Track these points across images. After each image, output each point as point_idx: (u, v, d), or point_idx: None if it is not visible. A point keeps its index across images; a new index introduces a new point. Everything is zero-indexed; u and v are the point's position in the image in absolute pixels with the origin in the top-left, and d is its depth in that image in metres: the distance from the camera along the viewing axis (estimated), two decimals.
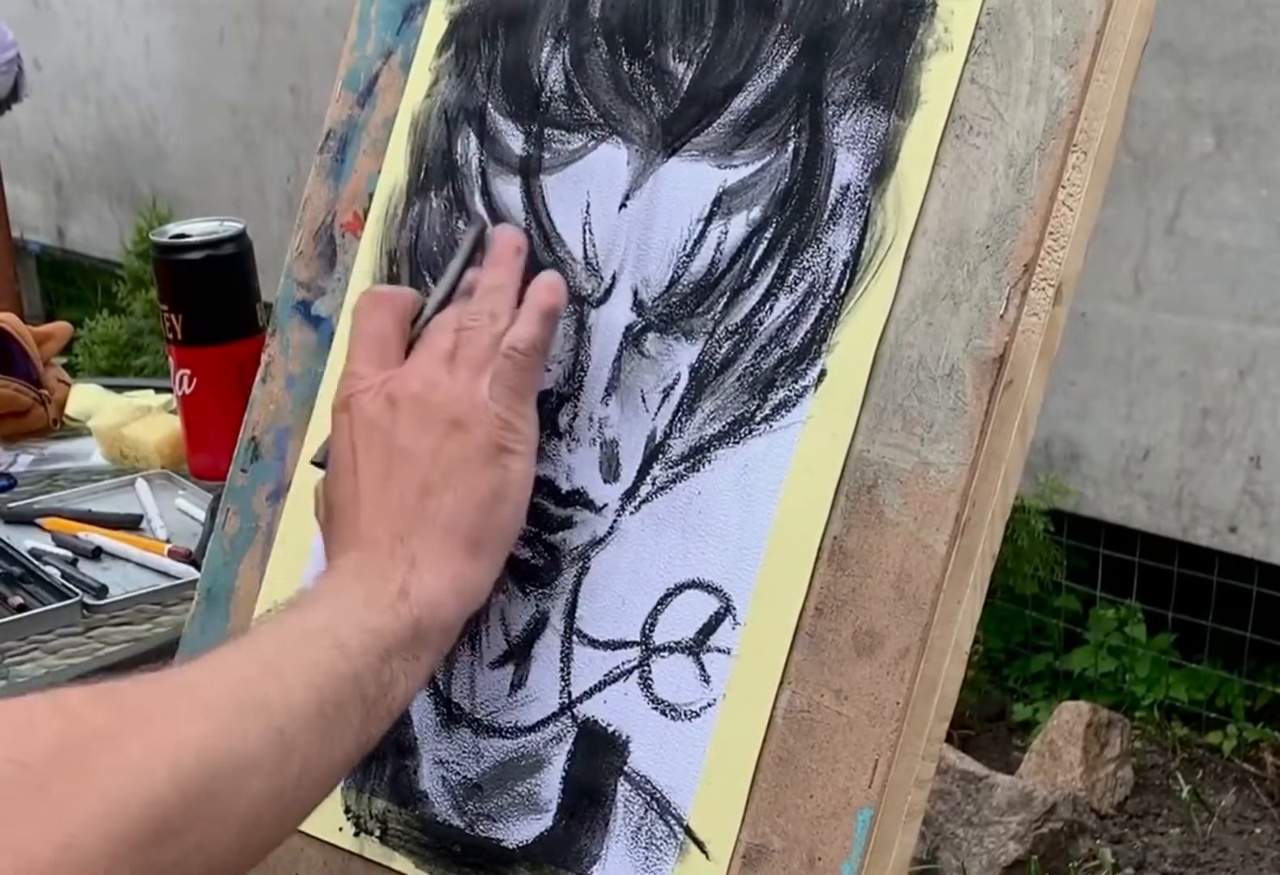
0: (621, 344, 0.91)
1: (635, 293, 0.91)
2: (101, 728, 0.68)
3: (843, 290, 0.85)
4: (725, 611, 0.86)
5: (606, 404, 0.92)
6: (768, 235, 0.87)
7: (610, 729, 0.89)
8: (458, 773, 0.94)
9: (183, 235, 1.67)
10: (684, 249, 0.90)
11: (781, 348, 0.86)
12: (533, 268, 0.95)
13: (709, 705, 0.86)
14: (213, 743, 0.71)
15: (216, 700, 0.73)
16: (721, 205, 0.89)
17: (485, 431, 0.87)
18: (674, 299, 0.90)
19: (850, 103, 0.86)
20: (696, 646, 0.87)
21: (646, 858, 0.87)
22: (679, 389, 0.89)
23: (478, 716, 0.94)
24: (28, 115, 4.51)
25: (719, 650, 0.86)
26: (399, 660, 0.81)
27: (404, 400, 0.88)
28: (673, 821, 0.86)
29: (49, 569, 1.50)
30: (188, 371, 1.67)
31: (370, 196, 1.03)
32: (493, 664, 0.94)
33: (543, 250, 0.94)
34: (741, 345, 0.88)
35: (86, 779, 0.66)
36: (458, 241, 0.97)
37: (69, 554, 1.54)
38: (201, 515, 1.59)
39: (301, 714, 0.75)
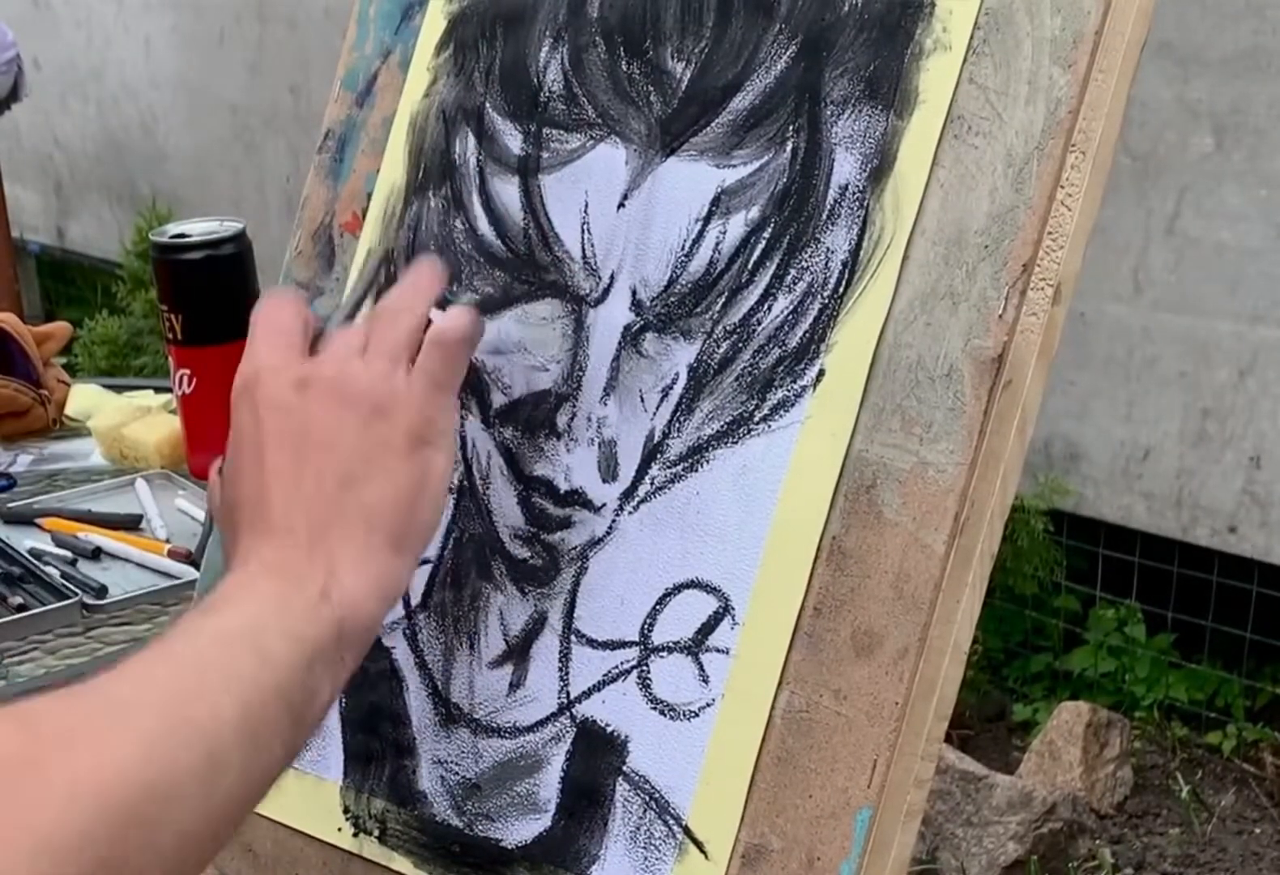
0: (620, 344, 0.91)
1: (634, 292, 0.91)
2: (25, 756, 0.65)
3: (841, 290, 0.85)
4: (724, 611, 0.86)
5: (605, 404, 0.92)
6: (766, 235, 0.87)
7: (609, 729, 0.89)
8: (456, 773, 0.94)
9: (183, 235, 1.67)
10: (682, 249, 0.90)
11: (780, 347, 0.86)
12: (531, 267, 0.95)
13: (708, 705, 0.86)
14: (140, 770, 0.67)
15: (143, 723, 0.69)
16: (720, 205, 0.89)
17: (407, 421, 0.83)
18: (672, 299, 0.90)
19: (849, 102, 0.86)
20: (695, 646, 0.87)
21: (645, 858, 0.87)
22: (677, 389, 0.89)
23: (476, 717, 0.94)
24: (28, 115, 4.51)
25: (718, 650, 0.86)
26: (322, 665, 0.77)
27: (318, 383, 0.83)
28: (671, 821, 0.86)
29: (49, 569, 1.50)
30: (187, 371, 1.67)
31: (369, 196, 1.03)
32: (491, 664, 0.94)
33: (541, 250, 0.94)
34: (740, 345, 0.88)
35: (12, 814, 0.63)
36: (454, 242, 0.97)
37: (69, 554, 1.54)
38: (201, 515, 1.59)
39: (230, 733, 0.72)
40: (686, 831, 0.86)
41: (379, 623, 0.82)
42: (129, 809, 0.66)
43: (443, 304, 0.88)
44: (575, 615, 0.91)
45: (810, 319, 0.86)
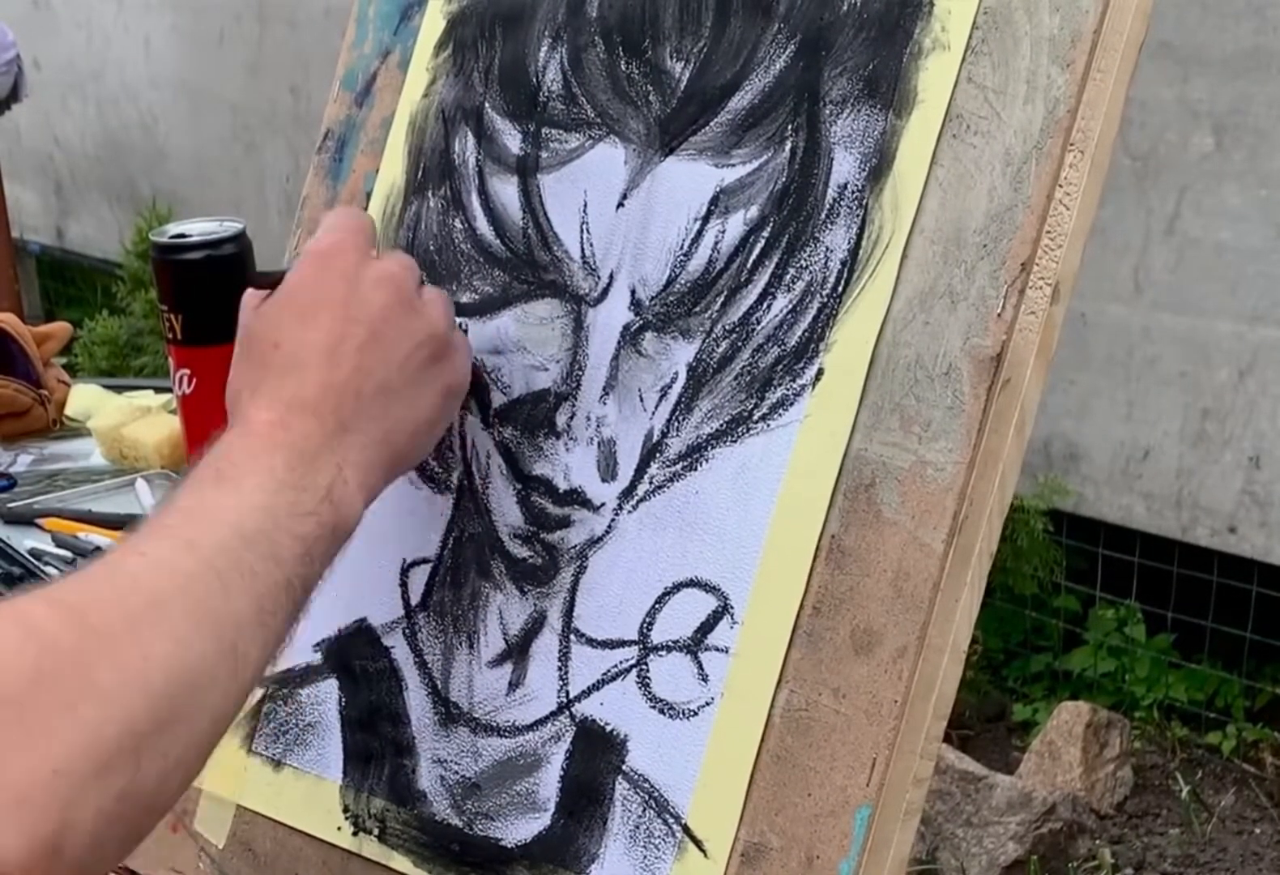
0: (619, 343, 0.91)
1: (633, 292, 0.91)
2: (72, 652, 0.68)
3: (840, 289, 0.85)
4: (723, 610, 0.86)
5: (604, 403, 0.92)
6: (765, 234, 0.87)
7: (608, 728, 0.89)
8: (456, 772, 0.94)
9: (182, 235, 1.67)
10: (681, 248, 0.90)
11: (779, 346, 0.86)
12: (531, 267, 0.95)
13: (707, 704, 0.86)
14: (177, 662, 0.71)
15: (175, 617, 0.73)
16: (719, 204, 0.89)
17: (456, 365, 0.88)
18: (671, 298, 0.90)
19: (847, 102, 0.86)
20: (694, 645, 0.87)
21: (645, 856, 0.87)
22: (676, 388, 0.89)
23: (476, 716, 0.94)
24: (28, 115, 4.51)
25: (717, 649, 0.86)
26: (315, 561, 0.81)
27: (399, 289, 0.86)
28: (671, 820, 0.86)
29: (49, 569, 1.50)
30: (187, 371, 1.66)
31: (368, 196, 1.03)
32: (491, 663, 0.94)
33: (540, 249, 0.95)
34: (739, 344, 0.88)
35: (64, 710, 0.66)
36: (453, 242, 0.97)
37: (69, 554, 1.54)
38: None
39: (247, 626, 0.76)
40: (686, 830, 0.86)
41: (352, 532, 0.85)
42: (169, 699, 0.70)
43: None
44: (574, 614, 0.91)
45: (809, 318, 0.86)
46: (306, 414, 0.83)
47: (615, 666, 0.90)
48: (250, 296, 0.91)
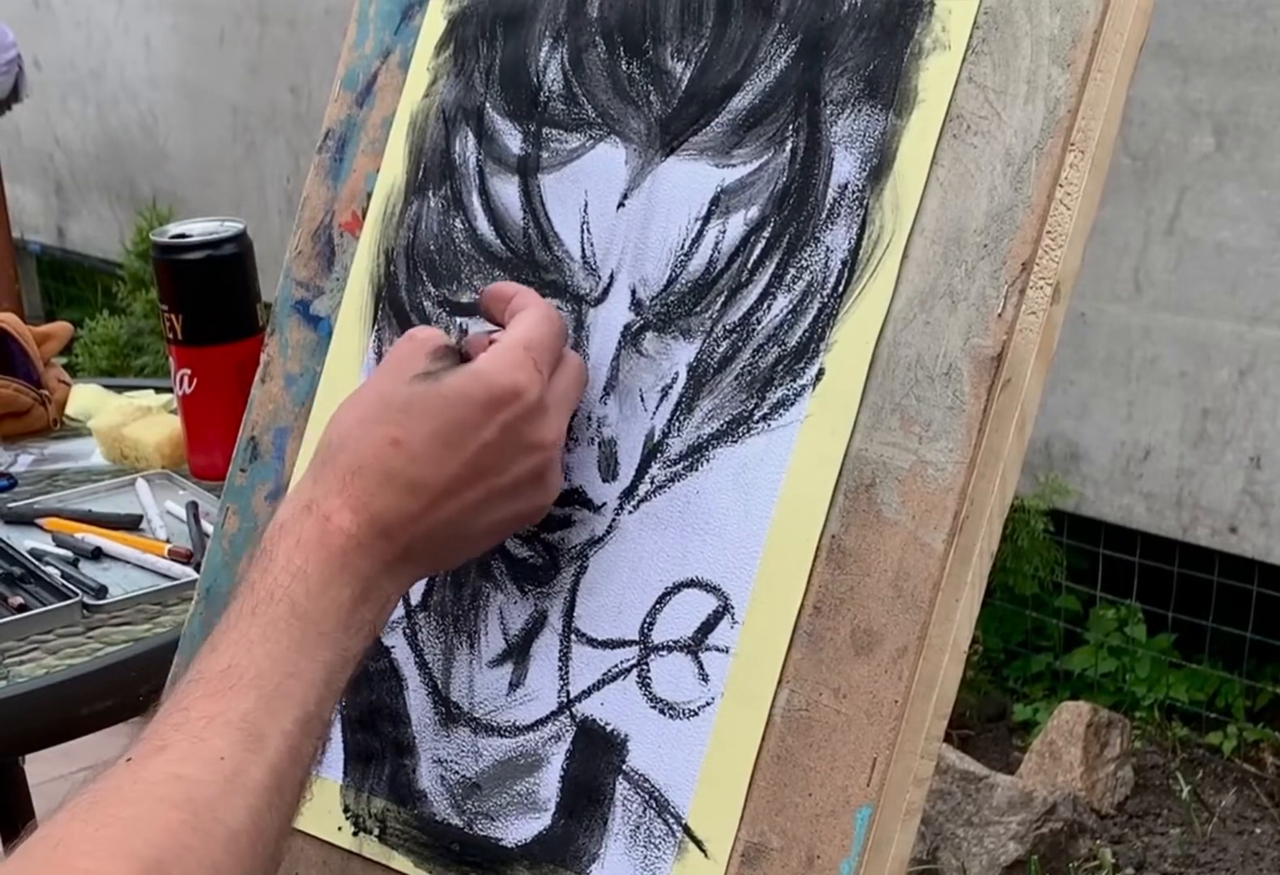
0: (619, 343, 0.91)
1: (633, 292, 0.91)
2: None
3: (841, 289, 0.85)
4: (724, 610, 0.86)
5: (605, 403, 0.92)
6: (766, 234, 0.87)
7: (609, 728, 0.89)
8: (456, 772, 0.94)
9: (183, 235, 1.67)
10: (682, 248, 0.90)
11: (779, 346, 0.86)
12: (531, 267, 0.95)
13: (707, 704, 0.86)
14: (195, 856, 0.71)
15: (241, 843, 0.73)
16: (719, 204, 0.89)
17: (538, 506, 0.88)
18: (672, 298, 0.90)
19: (848, 102, 0.86)
20: (695, 645, 0.87)
21: (645, 856, 0.87)
22: (677, 388, 0.89)
23: (476, 716, 0.94)
24: (28, 115, 4.51)
25: (717, 649, 0.86)
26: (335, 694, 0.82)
27: (545, 462, 0.86)
28: (671, 820, 0.86)
29: (49, 569, 1.50)
30: (188, 371, 1.67)
31: (369, 196, 1.03)
32: (491, 663, 0.94)
33: (540, 249, 0.95)
34: (739, 344, 0.88)
35: None
36: (454, 242, 0.97)
37: (69, 554, 1.54)
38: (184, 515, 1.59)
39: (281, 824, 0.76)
40: (686, 830, 0.86)
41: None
42: None
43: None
44: (575, 614, 0.91)
45: (810, 318, 0.86)
46: (387, 536, 0.81)
47: (616, 666, 0.90)
48: (405, 360, 0.85)
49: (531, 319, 0.86)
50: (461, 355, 0.86)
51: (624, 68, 0.93)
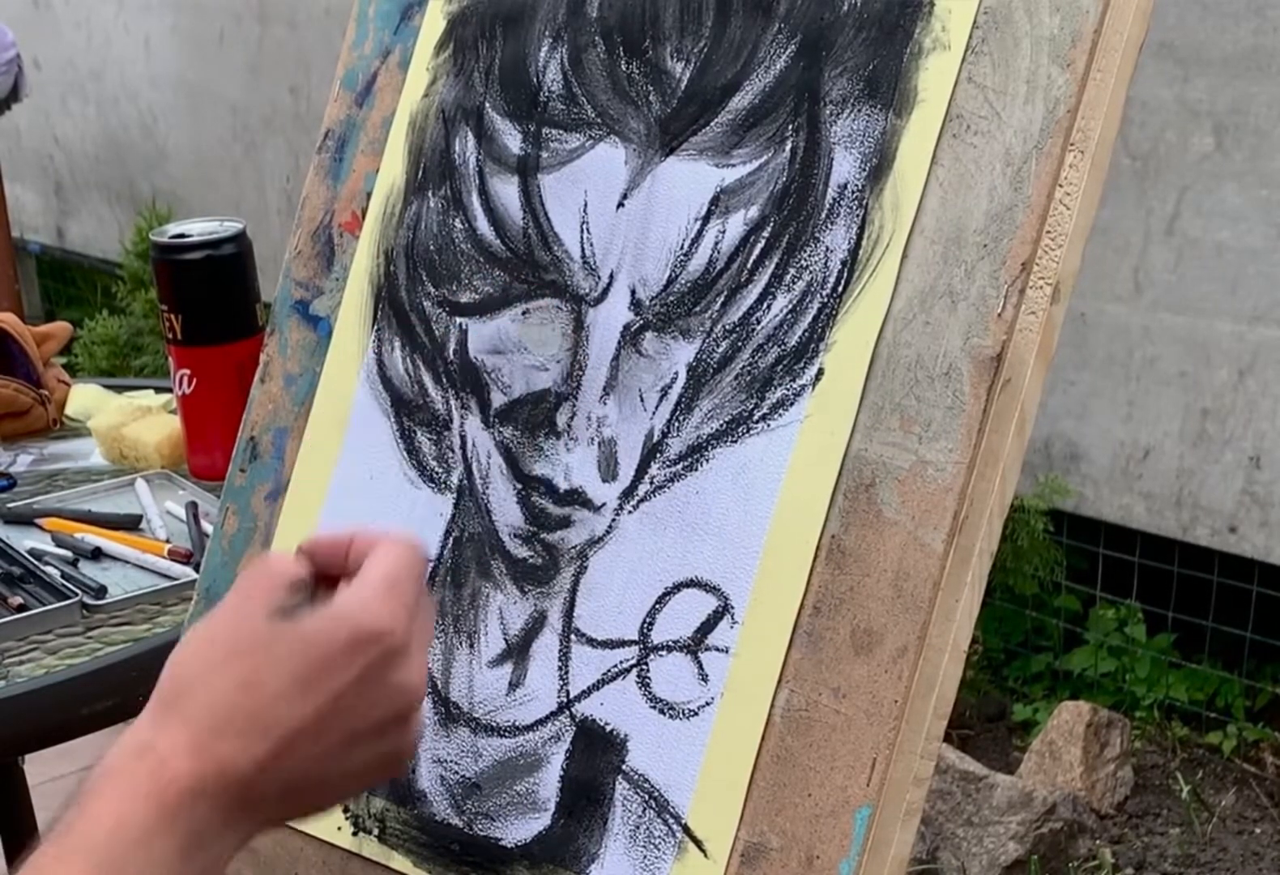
0: (619, 343, 0.91)
1: (633, 292, 0.91)
2: None
3: (840, 289, 0.85)
4: (723, 610, 0.86)
5: (604, 403, 0.92)
6: (765, 234, 0.87)
7: (608, 728, 0.89)
8: (456, 772, 0.94)
9: (183, 235, 1.67)
10: (681, 248, 0.90)
11: (779, 346, 0.86)
12: (531, 266, 0.95)
13: (707, 704, 0.86)
14: None
15: None
16: (719, 204, 0.89)
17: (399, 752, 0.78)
18: (671, 298, 0.90)
19: (848, 102, 0.86)
20: (695, 645, 0.87)
21: (645, 856, 0.87)
22: (677, 388, 0.89)
23: (476, 716, 0.94)
24: (28, 115, 4.51)
25: (717, 649, 0.86)
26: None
27: (407, 708, 0.76)
28: (671, 820, 0.86)
29: (49, 569, 1.50)
30: (188, 371, 1.67)
31: (368, 196, 1.03)
32: (491, 663, 0.94)
33: (540, 249, 0.95)
34: (739, 344, 0.88)
35: None
36: (453, 242, 0.97)
37: (69, 554, 1.54)
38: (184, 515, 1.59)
39: None
40: (686, 830, 0.86)
41: None
42: None
43: None
44: (575, 614, 0.91)
45: (809, 318, 0.86)
46: (232, 783, 0.72)
47: (615, 666, 0.90)
48: (263, 591, 0.77)
49: (394, 553, 0.78)
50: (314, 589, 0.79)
51: (624, 68, 0.93)
